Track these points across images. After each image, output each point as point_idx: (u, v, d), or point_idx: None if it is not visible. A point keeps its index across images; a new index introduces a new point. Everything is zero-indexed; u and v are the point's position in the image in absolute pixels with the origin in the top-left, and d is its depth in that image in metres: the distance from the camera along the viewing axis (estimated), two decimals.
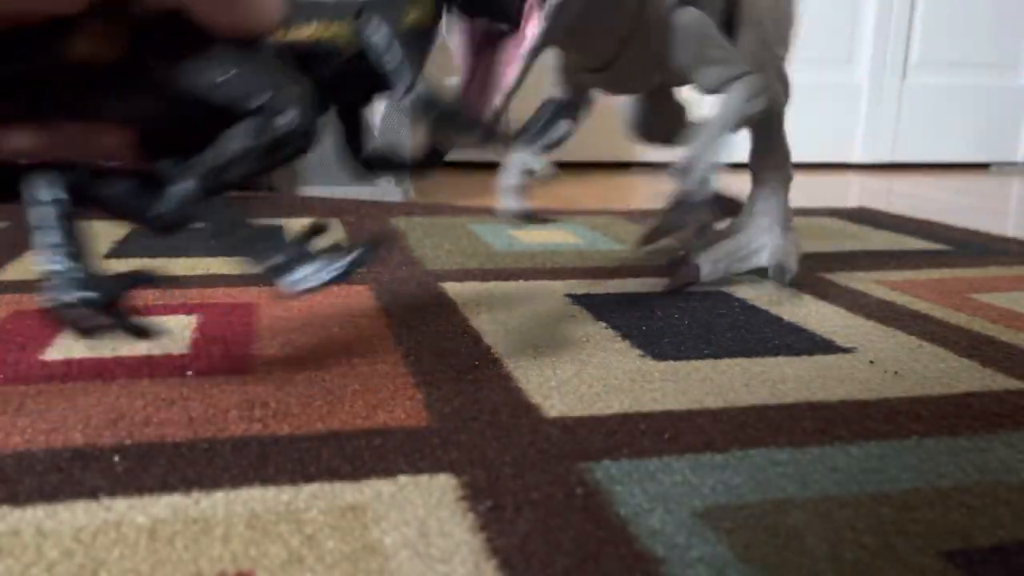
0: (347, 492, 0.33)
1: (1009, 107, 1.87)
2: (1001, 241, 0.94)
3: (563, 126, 0.68)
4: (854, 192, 1.44)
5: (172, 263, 0.70)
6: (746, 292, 0.66)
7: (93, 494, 0.32)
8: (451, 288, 0.65)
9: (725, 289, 0.67)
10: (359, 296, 0.61)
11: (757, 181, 0.69)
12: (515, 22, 0.44)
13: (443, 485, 0.34)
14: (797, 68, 1.66)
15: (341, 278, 0.36)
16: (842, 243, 0.90)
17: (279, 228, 0.37)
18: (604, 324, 0.56)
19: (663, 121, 0.76)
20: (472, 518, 0.31)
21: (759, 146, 0.69)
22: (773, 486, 0.35)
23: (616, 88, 0.66)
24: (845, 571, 0.29)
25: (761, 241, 0.67)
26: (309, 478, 0.34)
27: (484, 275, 0.69)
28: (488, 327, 0.55)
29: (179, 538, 0.30)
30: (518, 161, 0.69)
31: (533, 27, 0.45)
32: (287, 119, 0.34)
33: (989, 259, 0.83)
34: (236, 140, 0.34)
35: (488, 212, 1.02)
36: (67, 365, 0.46)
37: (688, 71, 0.61)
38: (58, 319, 0.37)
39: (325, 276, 0.36)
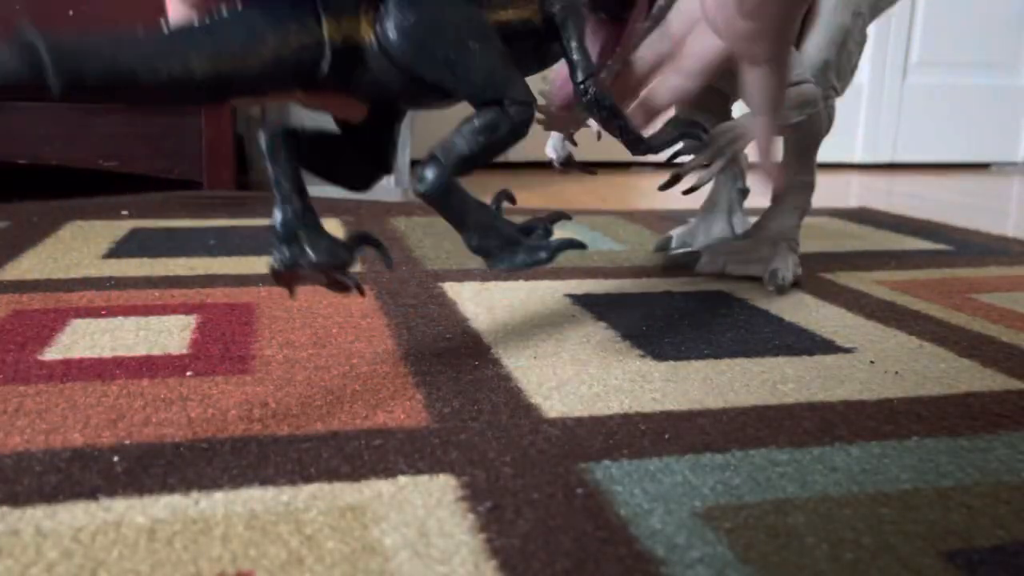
0: (347, 492, 0.33)
1: (1009, 107, 1.87)
2: (1001, 241, 0.94)
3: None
4: (854, 192, 1.44)
5: (172, 263, 0.70)
6: (746, 292, 0.66)
7: (92, 494, 0.32)
8: (451, 288, 0.65)
9: (725, 289, 0.67)
10: (359, 296, 0.61)
11: (781, 198, 0.70)
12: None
13: (443, 485, 0.34)
14: None
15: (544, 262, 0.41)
16: (842, 243, 0.90)
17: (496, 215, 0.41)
18: (604, 324, 0.56)
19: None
20: (472, 518, 0.31)
21: (789, 167, 0.69)
22: (773, 486, 0.35)
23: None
24: (845, 571, 0.29)
25: (764, 252, 0.68)
26: (309, 478, 0.34)
27: (484, 275, 0.69)
28: (488, 327, 0.55)
29: (178, 538, 0.30)
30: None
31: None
32: (524, 112, 0.39)
33: (989, 259, 0.83)
34: (481, 132, 0.39)
35: None
36: (66, 365, 0.46)
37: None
38: (288, 279, 0.41)
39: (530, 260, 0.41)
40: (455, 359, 0.49)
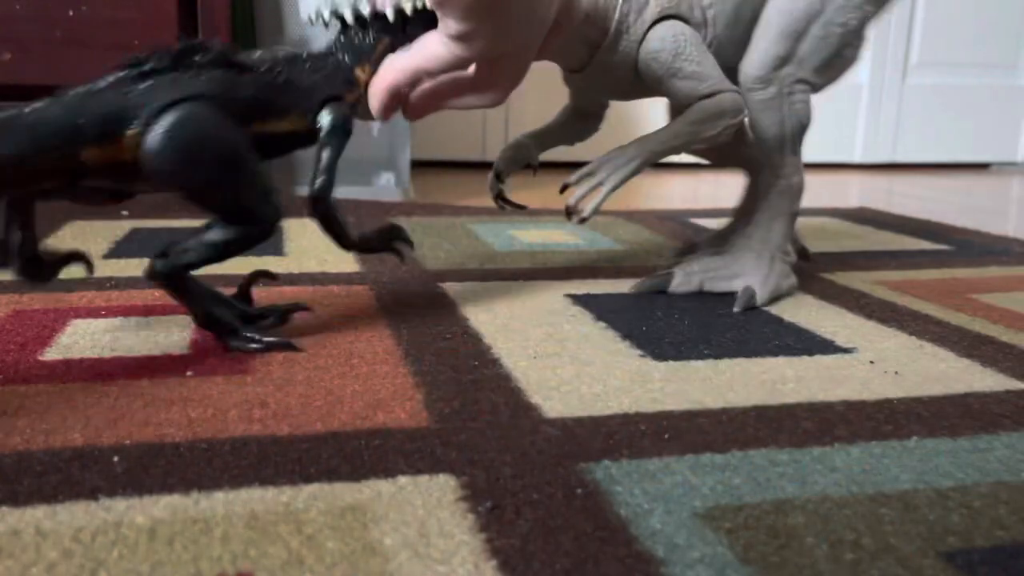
0: (347, 492, 0.33)
1: (1009, 107, 1.87)
2: (1001, 241, 0.94)
3: (577, 124, 0.72)
4: (854, 192, 1.44)
5: None
6: None
7: (92, 494, 0.32)
8: (451, 288, 0.65)
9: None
10: (359, 296, 0.61)
11: (759, 203, 0.65)
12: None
13: (443, 485, 0.34)
14: None
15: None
16: (842, 243, 0.90)
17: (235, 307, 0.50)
18: (604, 324, 0.56)
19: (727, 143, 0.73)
20: (472, 518, 0.31)
21: (766, 169, 0.65)
22: (773, 486, 0.35)
23: (594, 92, 0.66)
24: (845, 571, 0.29)
25: (741, 267, 0.64)
26: (309, 478, 0.34)
27: (484, 275, 0.69)
28: (488, 327, 0.55)
29: (179, 538, 0.30)
30: (511, 147, 0.71)
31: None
32: (270, 231, 0.47)
33: (989, 259, 0.83)
34: (215, 245, 0.46)
35: (488, 212, 1.02)
36: (66, 365, 0.46)
37: (659, 83, 0.61)
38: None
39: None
40: (455, 359, 0.49)
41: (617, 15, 0.59)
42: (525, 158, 0.70)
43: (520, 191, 1.32)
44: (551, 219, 0.98)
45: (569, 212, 0.60)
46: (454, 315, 0.57)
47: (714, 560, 0.29)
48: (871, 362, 0.51)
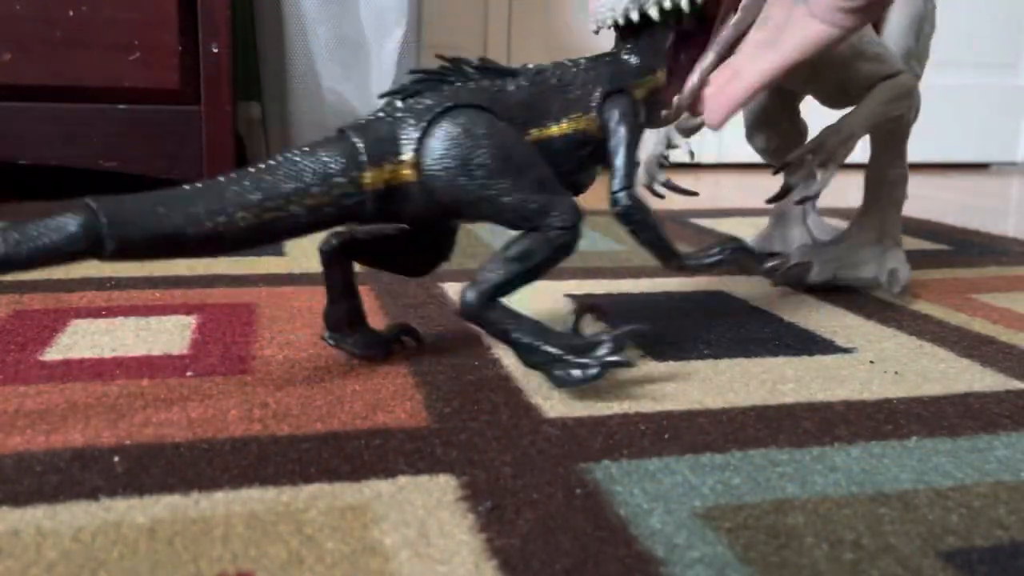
0: (347, 492, 0.33)
1: (1009, 107, 1.87)
2: (1001, 241, 0.94)
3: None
4: (855, 192, 1.44)
5: (172, 263, 0.70)
6: (745, 292, 0.66)
7: (93, 494, 0.32)
8: (451, 288, 0.65)
9: (725, 289, 0.67)
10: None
11: (871, 195, 0.66)
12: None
13: (443, 485, 0.34)
14: None
15: (598, 377, 0.42)
16: None
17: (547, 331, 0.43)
18: (604, 324, 0.56)
19: (784, 137, 0.73)
20: (472, 518, 0.31)
21: (879, 158, 0.66)
22: (773, 486, 0.35)
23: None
24: (844, 571, 0.29)
25: (870, 253, 0.65)
26: (309, 478, 0.34)
27: None
28: None
29: (179, 539, 0.30)
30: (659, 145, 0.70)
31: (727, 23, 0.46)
32: (565, 236, 0.42)
33: (989, 259, 0.83)
34: (515, 260, 0.42)
35: None
36: (66, 365, 0.46)
37: (843, 64, 0.59)
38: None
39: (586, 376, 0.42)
40: (455, 359, 0.49)
41: None
42: (673, 144, 0.70)
43: None
44: None
45: (787, 189, 0.58)
46: (454, 315, 0.57)
47: (714, 560, 0.29)
48: (871, 362, 0.51)
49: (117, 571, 0.28)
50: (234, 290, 0.62)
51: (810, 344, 0.54)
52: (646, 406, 0.43)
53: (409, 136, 0.41)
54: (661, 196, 0.68)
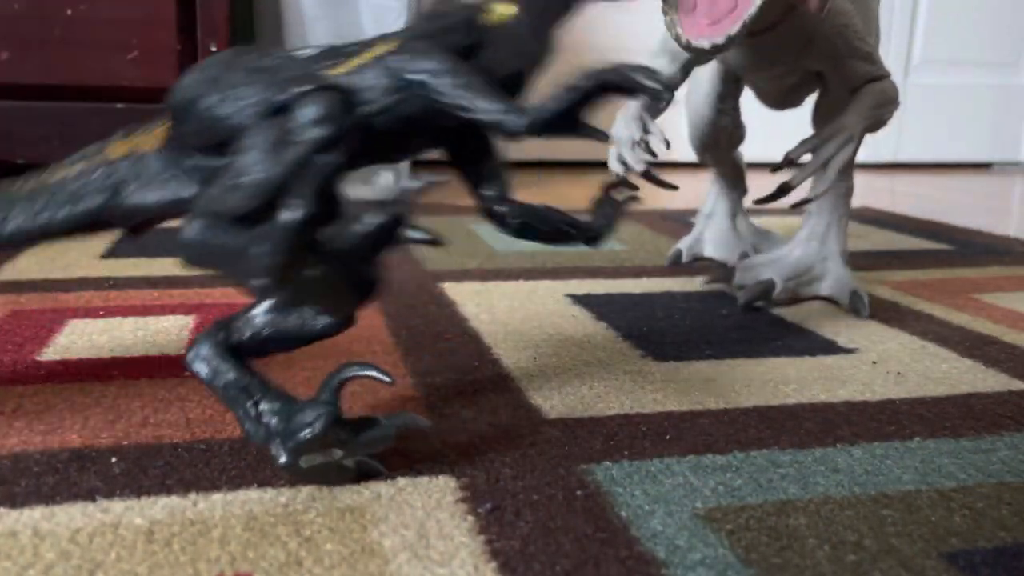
0: (346, 493, 0.33)
1: (1011, 106, 1.87)
2: (1003, 241, 0.94)
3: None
4: (856, 191, 1.44)
5: (171, 263, 0.70)
6: None
7: (90, 495, 0.32)
8: (451, 288, 0.64)
9: (726, 289, 0.66)
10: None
11: (819, 207, 0.64)
12: None
13: (442, 486, 0.34)
14: None
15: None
16: None
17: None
18: (604, 324, 0.56)
19: (725, 135, 0.71)
20: (472, 520, 0.31)
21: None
22: (775, 487, 0.35)
23: (754, 61, 0.60)
24: (847, 573, 0.29)
25: (821, 270, 0.63)
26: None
27: (484, 275, 0.69)
28: (488, 327, 0.55)
29: (177, 540, 0.29)
30: (637, 117, 0.63)
31: None
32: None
33: (991, 259, 0.83)
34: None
35: None
36: (64, 365, 0.46)
37: (834, 59, 0.56)
38: None
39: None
40: (455, 359, 0.48)
41: None
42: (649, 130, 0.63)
43: (520, 191, 1.32)
44: None
45: (784, 189, 0.55)
46: (454, 315, 0.57)
47: (715, 561, 0.29)
48: (873, 363, 0.50)
49: (115, 573, 0.27)
50: (232, 290, 0.62)
51: (812, 345, 0.53)
52: (647, 407, 0.42)
53: None
54: (636, 188, 0.63)
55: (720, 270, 0.65)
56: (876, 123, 0.57)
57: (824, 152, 0.55)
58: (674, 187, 0.62)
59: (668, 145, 0.62)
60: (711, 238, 0.76)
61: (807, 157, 0.56)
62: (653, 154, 0.60)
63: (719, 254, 0.75)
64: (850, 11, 0.56)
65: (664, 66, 0.63)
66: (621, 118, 0.63)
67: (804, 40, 0.56)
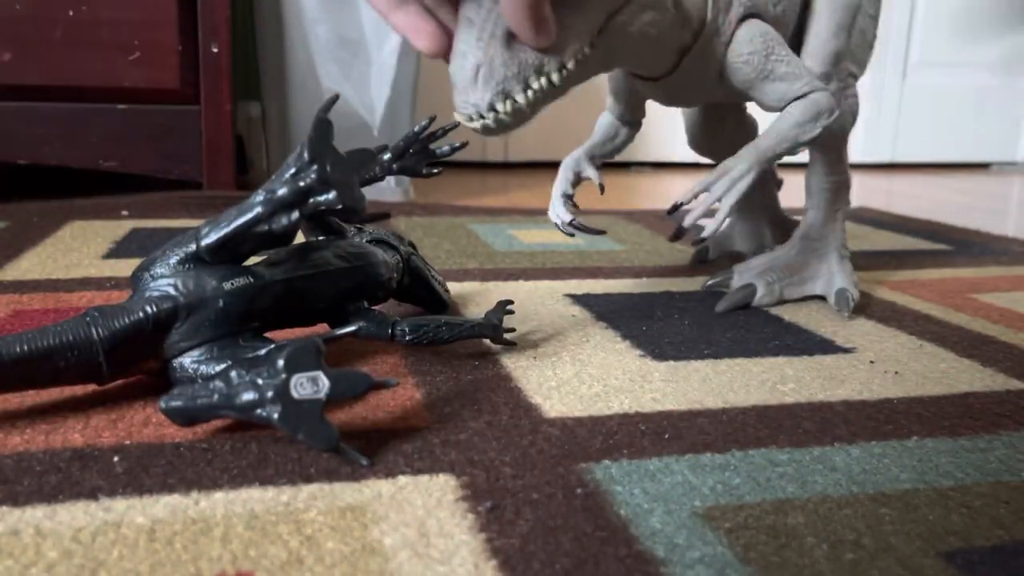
0: (346, 492, 0.33)
1: (1009, 107, 1.87)
2: (1001, 241, 0.94)
3: (622, 134, 0.64)
4: (854, 192, 1.44)
5: None
6: None
7: (92, 494, 0.32)
8: (451, 288, 0.65)
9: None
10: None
11: (813, 204, 0.64)
12: None
13: (443, 485, 0.34)
14: None
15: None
16: None
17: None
18: (604, 324, 0.56)
19: (728, 135, 0.71)
20: (472, 518, 0.31)
21: (820, 167, 0.63)
22: (773, 486, 0.35)
23: (672, 100, 0.60)
24: (845, 571, 0.29)
25: (815, 269, 0.63)
26: (308, 478, 0.34)
27: (484, 275, 0.69)
28: None
29: (178, 538, 0.30)
30: (570, 167, 0.63)
31: None
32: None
33: (989, 259, 0.83)
34: None
35: (488, 212, 1.02)
36: None
37: (749, 86, 0.56)
38: None
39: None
40: (455, 359, 0.49)
41: (709, 16, 0.53)
42: (583, 177, 0.63)
43: (519, 191, 1.32)
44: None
45: (679, 233, 0.55)
46: (454, 315, 0.57)
47: (714, 560, 0.29)
48: (871, 362, 0.51)
49: (117, 571, 0.28)
50: None
51: (810, 344, 0.54)
52: (646, 406, 0.43)
53: None
54: (571, 235, 0.60)
55: (723, 271, 0.65)
56: (804, 140, 0.55)
57: (714, 191, 0.54)
58: (601, 232, 0.60)
59: (602, 190, 0.63)
60: (742, 231, 0.76)
61: (704, 197, 0.54)
62: (576, 207, 0.60)
63: (750, 247, 0.75)
64: (761, 36, 0.55)
65: (611, 106, 0.64)
66: (563, 164, 0.63)
67: (713, 74, 0.56)
